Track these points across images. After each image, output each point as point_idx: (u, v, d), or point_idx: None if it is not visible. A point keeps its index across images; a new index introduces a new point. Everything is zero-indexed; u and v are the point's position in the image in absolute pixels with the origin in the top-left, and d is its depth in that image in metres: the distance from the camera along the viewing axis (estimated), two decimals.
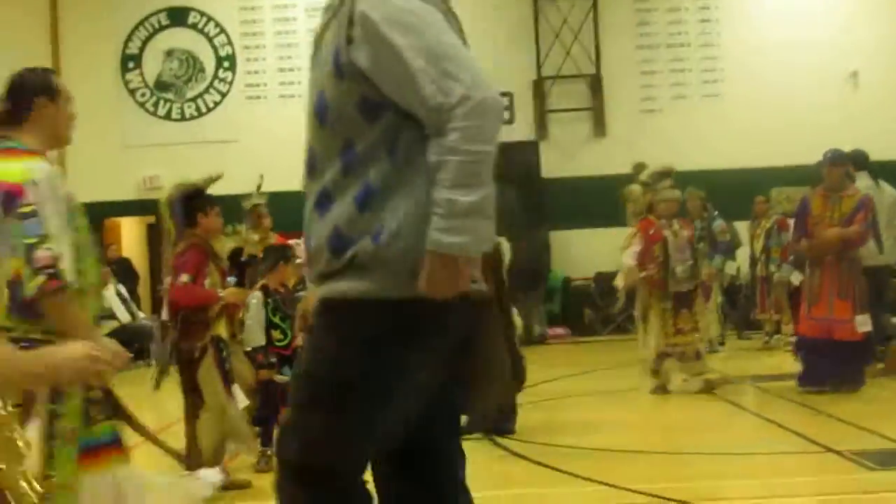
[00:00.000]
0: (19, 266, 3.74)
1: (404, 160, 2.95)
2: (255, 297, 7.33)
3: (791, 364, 10.78)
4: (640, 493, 6.14)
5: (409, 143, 2.94)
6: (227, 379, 6.66)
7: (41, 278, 3.68)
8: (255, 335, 7.27)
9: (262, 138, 17.71)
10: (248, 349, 7.24)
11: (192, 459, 6.16)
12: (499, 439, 7.95)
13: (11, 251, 3.75)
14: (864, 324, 9.47)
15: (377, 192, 2.94)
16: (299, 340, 7.47)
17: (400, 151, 2.94)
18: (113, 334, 14.39)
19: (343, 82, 2.97)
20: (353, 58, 2.95)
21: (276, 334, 7.34)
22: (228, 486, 6.50)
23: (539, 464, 7.07)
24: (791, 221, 13.03)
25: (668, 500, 6.00)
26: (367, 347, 2.94)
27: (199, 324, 6.63)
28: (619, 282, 10.67)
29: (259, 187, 9.48)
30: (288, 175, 16.35)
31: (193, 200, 6.75)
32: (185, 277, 6.54)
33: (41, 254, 3.70)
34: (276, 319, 7.36)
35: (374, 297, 2.93)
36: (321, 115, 3.04)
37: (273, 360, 7.28)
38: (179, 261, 6.63)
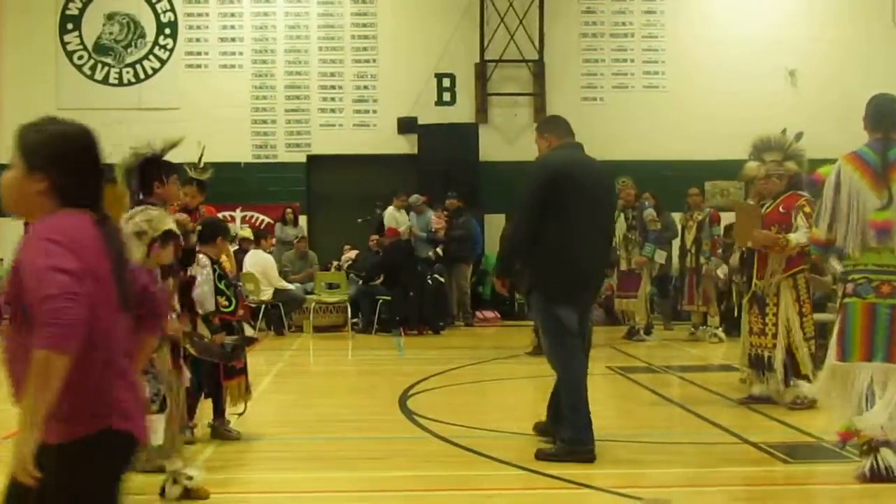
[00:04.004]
0: None
1: None
2: (206, 265, 7.39)
3: (715, 355, 10.85)
4: (560, 479, 6.21)
5: None
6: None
7: None
8: (209, 300, 7.35)
9: (200, 108, 17.57)
10: (203, 314, 7.26)
11: None
12: (420, 421, 8.02)
13: None
14: None
15: None
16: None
17: None
18: None
19: None
20: None
21: (221, 300, 7.45)
22: None
23: (460, 446, 7.11)
24: (722, 215, 13.33)
25: (587, 486, 6.08)
26: None
27: None
28: None
29: (201, 159, 8.99)
30: (225, 146, 16.45)
31: (151, 167, 6.35)
32: None
33: None
34: (222, 286, 7.48)
35: None
36: None
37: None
38: None
